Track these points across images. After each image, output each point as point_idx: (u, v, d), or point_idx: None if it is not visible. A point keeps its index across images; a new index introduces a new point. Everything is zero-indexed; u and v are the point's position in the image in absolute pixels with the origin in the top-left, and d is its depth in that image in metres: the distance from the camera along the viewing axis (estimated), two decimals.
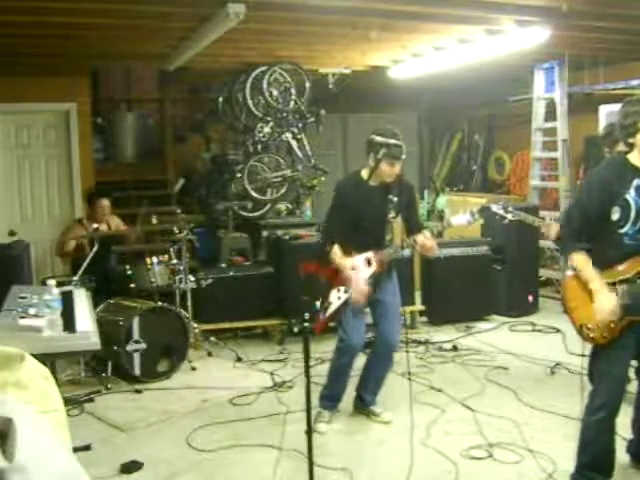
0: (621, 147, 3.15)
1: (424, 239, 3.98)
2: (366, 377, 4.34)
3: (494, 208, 4.96)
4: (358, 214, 4.04)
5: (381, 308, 4.18)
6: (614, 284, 3.00)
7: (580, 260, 3.02)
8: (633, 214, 2.95)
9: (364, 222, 4.03)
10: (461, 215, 4.15)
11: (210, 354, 5.71)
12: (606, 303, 2.93)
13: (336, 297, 4.08)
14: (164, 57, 6.74)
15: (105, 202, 6.34)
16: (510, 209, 4.90)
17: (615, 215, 2.97)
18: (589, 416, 3.10)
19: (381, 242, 4.06)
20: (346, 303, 4.07)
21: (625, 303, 2.97)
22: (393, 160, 3.93)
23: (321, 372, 4.38)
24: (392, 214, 4.06)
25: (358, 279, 3.98)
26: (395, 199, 4.05)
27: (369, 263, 4.11)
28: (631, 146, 3.00)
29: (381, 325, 4.21)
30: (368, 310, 4.26)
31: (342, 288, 4.08)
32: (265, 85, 7.01)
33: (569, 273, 3.19)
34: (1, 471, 0.84)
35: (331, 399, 4.27)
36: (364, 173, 4.15)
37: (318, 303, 4.05)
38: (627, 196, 2.95)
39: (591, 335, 3.01)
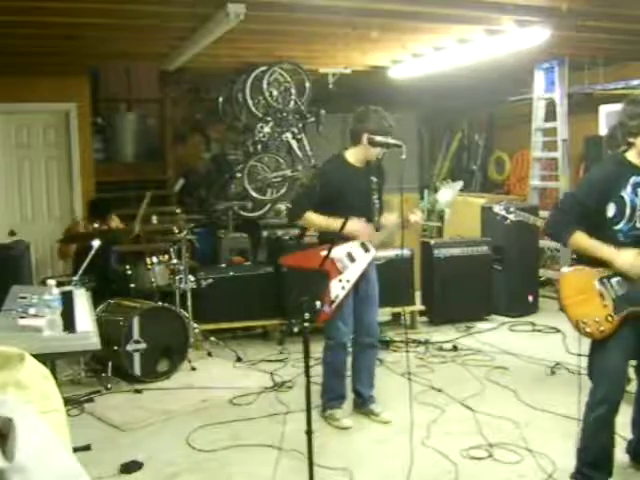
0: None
1: (415, 217, 4.14)
2: (358, 371, 4.34)
3: (496, 209, 4.98)
4: (344, 196, 3.96)
5: (364, 299, 4.18)
6: (610, 277, 3.02)
7: (582, 238, 3.03)
8: (628, 211, 2.98)
9: (350, 204, 3.93)
10: (443, 191, 4.50)
11: (210, 354, 5.71)
12: (627, 258, 2.95)
13: (339, 287, 4.00)
14: (164, 57, 6.74)
15: (114, 218, 6.32)
16: (512, 210, 4.91)
17: (610, 212, 3.00)
18: (589, 413, 3.10)
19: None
20: (345, 296, 4.03)
21: (623, 294, 2.99)
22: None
23: (321, 372, 4.38)
24: (375, 195, 4.06)
25: (363, 228, 4.01)
26: (375, 180, 4.07)
27: (366, 249, 4.09)
28: (630, 145, 3.02)
29: (364, 316, 4.19)
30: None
31: (343, 277, 4.00)
32: (265, 85, 7.01)
33: (565, 270, 3.20)
34: (1, 471, 0.84)
35: (339, 398, 4.29)
36: (348, 155, 4.12)
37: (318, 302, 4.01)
38: (623, 193, 2.98)
39: (588, 330, 3.02)
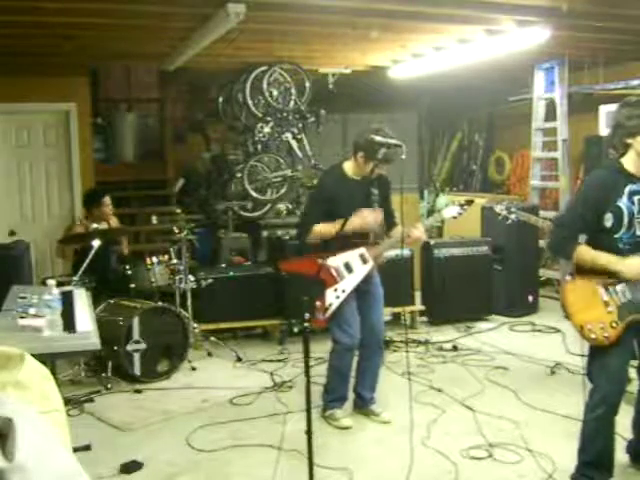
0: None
1: (418, 233, 4.09)
2: (362, 373, 4.34)
3: (498, 209, 4.99)
4: (343, 208, 3.95)
5: (368, 300, 4.19)
6: (614, 284, 3.02)
7: (585, 250, 3.05)
8: (626, 220, 3.00)
9: (349, 216, 3.92)
10: (451, 207, 4.30)
11: (210, 354, 5.71)
12: (632, 266, 2.96)
13: (334, 297, 4.02)
14: (164, 57, 6.74)
15: (108, 200, 6.28)
16: (513, 210, 4.92)
17: (608, 222, 3.01)
18: (589, 414, 3.12)
19: (367, 236, 4.07)
20: (345, 301, 4.04)
21: (627, 301, 3.00)
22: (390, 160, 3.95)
23: (321, 372, 4.38)
24: (376, 206, 4.06)
25: (365, 216, 3.96)
26: (376, 191, 4.07)
27: (364, 260, 4.09)
28: (627, 147, 3.02)
29: (368, 316, 4.20)
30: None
31: (339, 287, 4.03)
32: (265, 85, 7.01)
33: (568, 278, 3.21)
34: (1, 471, 0.83)
35: (341, 399, 4.29)
36: (347, 167, 4.13)
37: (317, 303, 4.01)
38: (619, 203, 2.99)
39: (593, 336, 3.04)
